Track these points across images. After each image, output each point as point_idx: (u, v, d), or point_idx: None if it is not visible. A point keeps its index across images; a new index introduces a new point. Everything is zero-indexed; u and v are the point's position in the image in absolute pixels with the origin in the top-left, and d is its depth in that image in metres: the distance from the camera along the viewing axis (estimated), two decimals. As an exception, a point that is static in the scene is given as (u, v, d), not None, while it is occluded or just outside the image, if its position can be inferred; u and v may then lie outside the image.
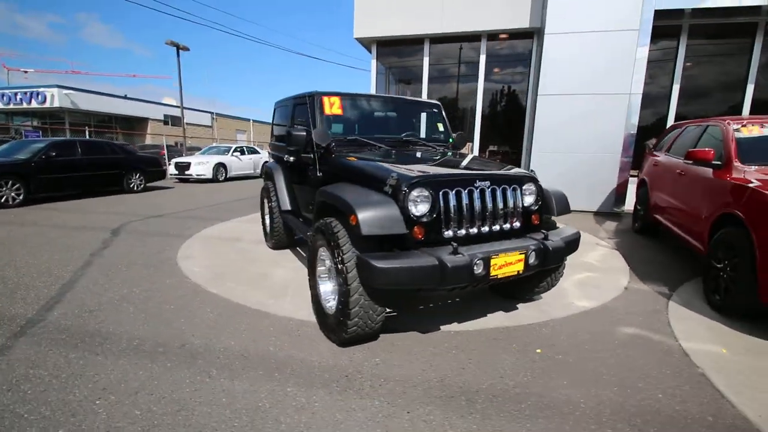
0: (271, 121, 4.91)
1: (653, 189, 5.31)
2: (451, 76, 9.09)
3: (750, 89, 7.29)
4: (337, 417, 1.83)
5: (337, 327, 2.34)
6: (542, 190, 2.71)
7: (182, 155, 15.19)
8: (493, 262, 2.22)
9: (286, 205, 4.14)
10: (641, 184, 5.88)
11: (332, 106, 3.33)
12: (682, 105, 7.69)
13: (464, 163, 3.01)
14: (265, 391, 2.01)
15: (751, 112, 7.27)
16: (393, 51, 9.31)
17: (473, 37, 8.45)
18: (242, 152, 14.47)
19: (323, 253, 2.54)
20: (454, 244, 2.17)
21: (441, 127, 3.85)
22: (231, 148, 14.19)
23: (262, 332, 2.63)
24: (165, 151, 16.04)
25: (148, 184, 10.25)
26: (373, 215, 2.11)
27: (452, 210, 2.33)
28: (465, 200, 2.37)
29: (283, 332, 2.64)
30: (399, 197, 2.23)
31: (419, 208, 2.24)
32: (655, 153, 5.69)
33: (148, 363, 2.23)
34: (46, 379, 2.06)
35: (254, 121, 42.14)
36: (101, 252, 4.43)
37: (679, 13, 7.01)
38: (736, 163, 3.39)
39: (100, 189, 9.18)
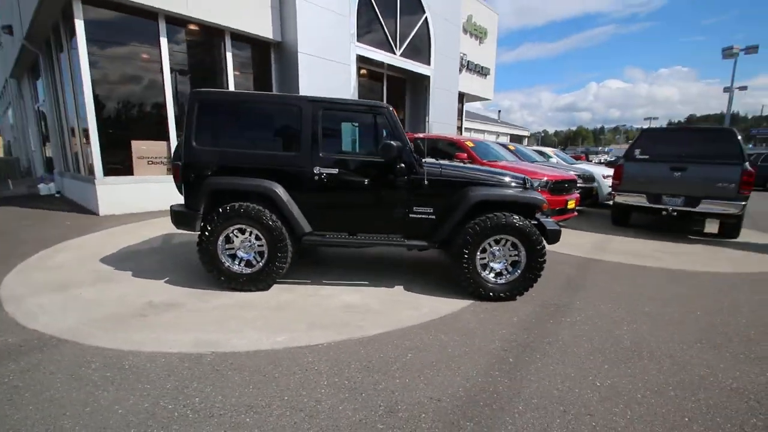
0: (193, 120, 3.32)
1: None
2: (192, 67, 7.84)
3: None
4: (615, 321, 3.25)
5: (520, 285, 3.40)
6: None
7: None
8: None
9: (307, 226, 3.48)
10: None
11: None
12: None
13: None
14: (571, 369, 2.98)
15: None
16: (108, 21, 6.62)
17: (217, 31, 7.86)
18: None
19: (500, 240, 3.35)
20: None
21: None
22: None
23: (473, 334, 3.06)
24: None
25: None
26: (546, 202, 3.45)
27: (532, 193, 3.98)
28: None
29: (453, 330, 3.17)
30: (533, 189, 3.61)
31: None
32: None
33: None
34: None
35: None
36: None
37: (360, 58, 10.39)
38: (473, 160, 6.92)
39: None
